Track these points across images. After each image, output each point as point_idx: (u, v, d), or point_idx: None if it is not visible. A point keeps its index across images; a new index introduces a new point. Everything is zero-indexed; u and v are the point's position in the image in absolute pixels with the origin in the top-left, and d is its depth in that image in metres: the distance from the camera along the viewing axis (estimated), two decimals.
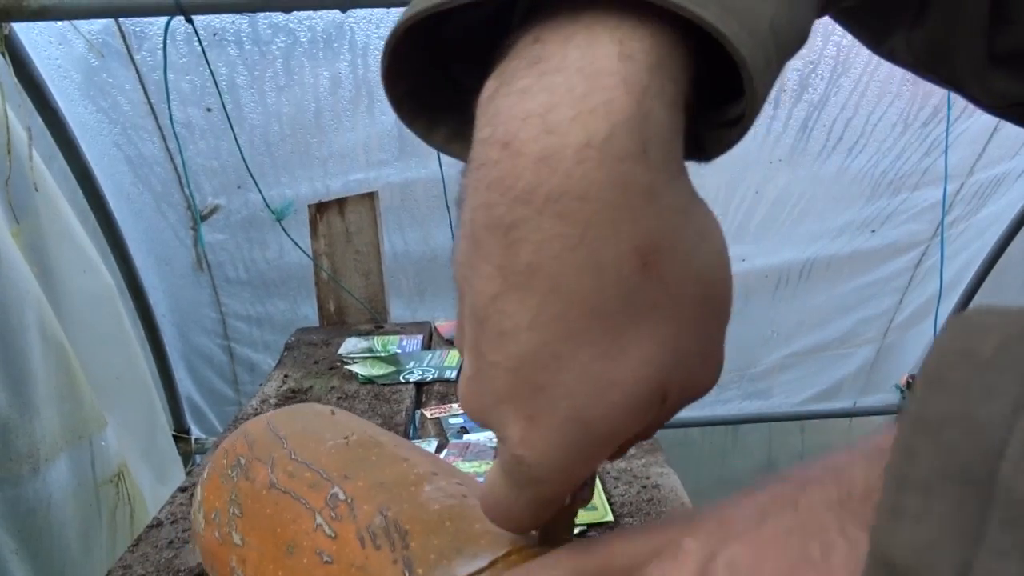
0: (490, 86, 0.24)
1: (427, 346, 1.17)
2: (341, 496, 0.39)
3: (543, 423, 0.24)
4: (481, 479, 0.72)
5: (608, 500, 0.67)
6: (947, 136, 1.47)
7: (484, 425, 0.27)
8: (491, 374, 0.25)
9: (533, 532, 0.35)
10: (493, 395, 0.25)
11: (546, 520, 0.29)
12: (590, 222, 0.22)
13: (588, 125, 0.21)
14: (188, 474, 1.18)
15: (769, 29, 0.22)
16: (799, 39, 0.25)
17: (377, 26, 1.33)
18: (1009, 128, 1.57)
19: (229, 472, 0.48)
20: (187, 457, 1.67)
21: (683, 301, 0.24)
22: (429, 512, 0.36)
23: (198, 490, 0.51)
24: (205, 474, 0.51)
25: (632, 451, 0.77)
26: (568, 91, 0.22)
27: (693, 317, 0.25)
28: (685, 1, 0.21)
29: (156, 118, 1.41)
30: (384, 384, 0.99)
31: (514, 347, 0.24)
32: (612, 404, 0.24)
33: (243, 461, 0.47)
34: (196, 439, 1.76)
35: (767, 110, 1.51)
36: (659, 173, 0.23)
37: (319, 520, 0.39)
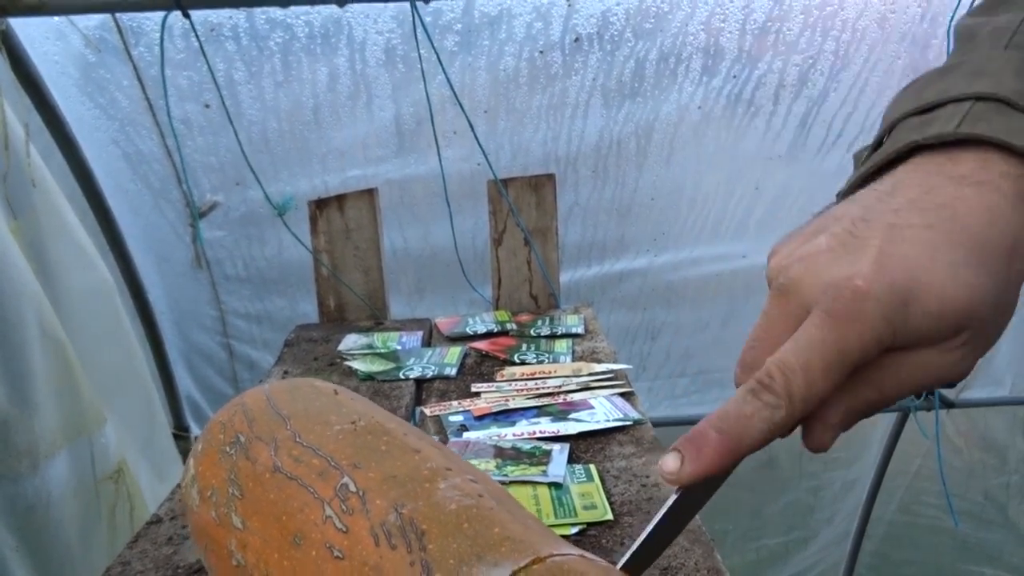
0: None
1: (427, 343, 1.17)
2: (352, 487, 0.38)
3: (894, 273, 0.33)
4: (491, 476, 0.71)
5: (608, 499, 0.67)
6: None
7: (812, 286, 0.34)
8: (864, 244, 0.34)
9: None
10: (851, 258, 0.33)
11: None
12: (996, 205, 0.33)
13: (1009, 168, 0.33)
14: None
15: None
16: None
17: (375, 21, 1.33)
18: None
19: (227, 449, 0.46)
20: (187, 455, 1.67)
21: (1006, 294, 0.33)
22: (446, 512, 0.35)
23: (190, 463, 0.49)
24: (199, 447, 0.49)
25: (632, 450, 0.77)
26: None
27: (1000, 309, 0.34)
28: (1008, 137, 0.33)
29: (154, 114, 1.41)
30: (384, 380, 0.99)
31: (899, 234, 0.33)
32: (951, 293, 0.32)
33: (243, 439, 0.46)
34: (195, 437, 1.76)
35: (767, 106, 1.51)
36: None
37: (329, 511, 0.38)
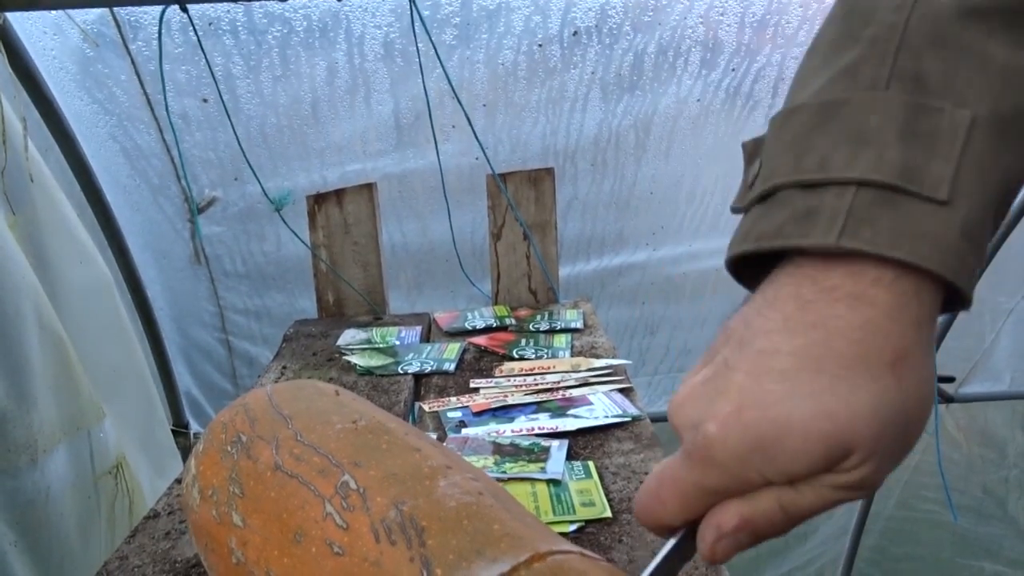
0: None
1: (426, 338, 1.16)
2: (352, 485, 0.38)
3: (749, 416, 0.32)
4: (490, 472, 0.71)
5: (607, 496, 0.67)
6: None
7: (681, 420, 0.34)
8: (730, 376, 0.33)
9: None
10: (716, 393, 0.33)
11: (686, 522, 0.35)
12: (870, 320, 0.31)
13: (882, 274, 0.31)
14: None
15: (960, 235, 0.31)
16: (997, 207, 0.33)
17: (373, 15, 1.32)
18: None
19: (228, 448, 0.46)
20: (186, 452, 1.67)
21: (901, 404, 0.32)
22: (446, 509, 0.36)
23: (192, 463, 0.49)
24: (200, 447, 0.50)
25: (631, 446, 0.77)
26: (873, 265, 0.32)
27: (898, 421, 0.32)
28: (887, 251, 0.31)
29: (152, 109, 1.41)
30: (382, 375, 0.99)
31: (765, 362, 0.32)
32: (813, 428, 0.31)
33: (244, 438, 0.46)
34: (195, 434, 1.76)
35: (766, 99, 1.51)
36: (925, 313, 0.32)
37: (329, 508, 0.38)
